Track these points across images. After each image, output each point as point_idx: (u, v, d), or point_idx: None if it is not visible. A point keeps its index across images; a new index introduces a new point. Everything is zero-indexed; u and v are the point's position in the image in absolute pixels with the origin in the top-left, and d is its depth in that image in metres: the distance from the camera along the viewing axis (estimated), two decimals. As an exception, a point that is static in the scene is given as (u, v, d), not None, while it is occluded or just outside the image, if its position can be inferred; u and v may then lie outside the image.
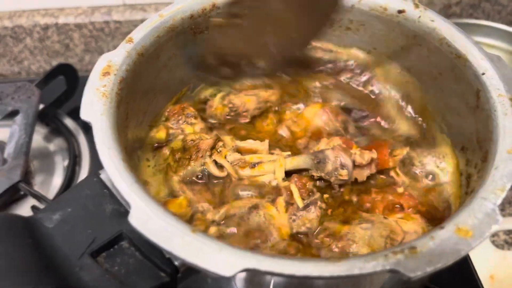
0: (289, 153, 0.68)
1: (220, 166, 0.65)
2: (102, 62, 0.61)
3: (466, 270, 0.80)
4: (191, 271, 0.50)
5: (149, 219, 0.47)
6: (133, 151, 0.65)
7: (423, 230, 0.59)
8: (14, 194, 0.90)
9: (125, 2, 1.23)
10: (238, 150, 0.67)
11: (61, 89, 1.06)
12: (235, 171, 0.64)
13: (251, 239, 0.57)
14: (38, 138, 1.03)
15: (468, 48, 0.64)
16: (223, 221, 0.60)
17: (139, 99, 0.66)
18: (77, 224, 0.50)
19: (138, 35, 0.65)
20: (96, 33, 1.24)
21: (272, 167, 0.64)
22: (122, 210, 0.51)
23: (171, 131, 0.71)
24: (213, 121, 0.75)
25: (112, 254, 0.50)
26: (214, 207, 0.63)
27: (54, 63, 1.29)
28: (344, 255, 0.56)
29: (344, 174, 0.63)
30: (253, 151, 0.68)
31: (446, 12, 1.26)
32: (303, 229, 0.60)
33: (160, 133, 0.71)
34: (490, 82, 0.60)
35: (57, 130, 1.04)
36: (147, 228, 0.46)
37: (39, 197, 0.84)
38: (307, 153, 0.67)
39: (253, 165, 0.65)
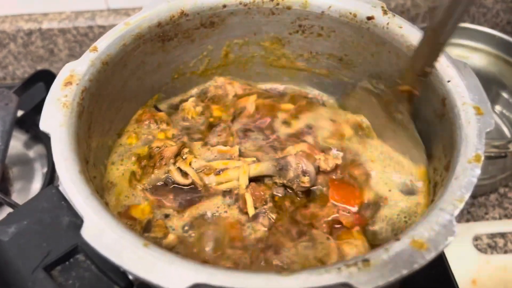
0: (254, 159, 0.67)
1: (184, 173, 0.65)
2: (64, 72, 0.61)
3: (444, 275, 0.79)
4: (146, 285, 0.49)
5: (102, 233, 0.46)
6: (98, 159, 0.64)
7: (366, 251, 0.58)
8: (-10, 203, 0.89)
9: (109, 7, 1.23)
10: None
11: (41, 95, 1.05)
12: (199, 178, 0.64)
13: (206, 245, 0.57)
14: (18, 144, 1.03)
15: (435, 54, 0.63)
16: (187, 227, 0.61)
17: (105, 108, 0.66)
18: (32, 237, 0.50)
19: (103, 43, 0.65)
20: (80, 38, 1.24)
21: (236, 174, 0.64)
22: (78, 223, 0.51)
23: (142, 136, 0.71)
24: (186, 123, 0.75)
25: (67, 268, 0.49)
26: (178, 212, 0.63)
27: (39, 68, 1.29)
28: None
29: (306, 181, 0.62)
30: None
31: (432, 15, 1.25)
32: (251, 238, 0.59)
33: (130, 139, 0.70)
34: (455, 90, 0.59)
35: (36, 136, 1.04)
36: (100, 242, 0.46)
37: (13, 205, 0.83)
38: (270, 160, 0.66)
39: (218, 172, 0.65)
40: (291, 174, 0.63)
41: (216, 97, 0.78)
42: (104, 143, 0.67)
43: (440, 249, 0.45)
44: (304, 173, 0.62)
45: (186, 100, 0.78)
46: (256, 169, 0.65)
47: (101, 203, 0.49)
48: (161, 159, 0.64)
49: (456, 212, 0.48)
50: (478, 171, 0.51)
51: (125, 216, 0.62)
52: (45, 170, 0.99)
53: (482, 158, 0.52)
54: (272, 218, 0.61)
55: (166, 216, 0.62)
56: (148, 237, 0.60)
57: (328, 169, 0.64)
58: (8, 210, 0.89)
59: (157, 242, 0.59)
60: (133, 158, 0.68)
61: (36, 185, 0.97)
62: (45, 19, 1.22)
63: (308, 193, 0.65)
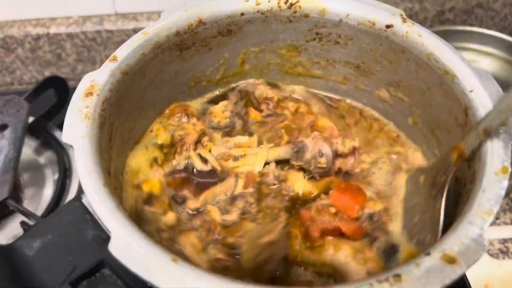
0: (272, 145, 0.69)
1: (204, 160, 0.66)
2: (85, 82, 0.60)
3: (459, 280, 0.79)
4: (173, 299, 0.49)
5: (130, 247, 0.46)
6: (118, 170, 0.64)
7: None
8: (3, 210, 0.89)
9: (116, 11, 1.22)
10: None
11: (51, 102, 1.05)
12: (218, 164, 0.65)
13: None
14: (28, 151, 1.02)
15: (456, 64, 0.63)
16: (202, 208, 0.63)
17: (124, 117, 0.65)
18: (57, 252, 0.50)
19: (122, 53, 0.64)
20: (88, 43, 1.24)
21: (254, 160, 0.65)
22: (104, 237, 0.51)
23: (170, 127, 0.72)
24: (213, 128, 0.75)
25: (93, 282, 0.49)
26: (194, 195, 0.64)
27: (47, 73, 1.29)
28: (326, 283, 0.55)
29: (323, 162, 0.63)
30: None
31: (440, 19, 1.25)
32: (226, 219, 0.61)
33: (161, 136, 0.71)
34: (479, 100, 0.59)
35: (47, 143, 1.03)
36: (127, 257, 0.45)
37: (27, 214, 0.83)
38: (287, 144, 0.67)
39: (236, 158, 0.66)
40: (308, 155, 0.64)
41: (255, 100, 0.78)
42: (123, 153, 0.67)
43: (471, 264, 0.45)
44: (321, 154, 0.63)
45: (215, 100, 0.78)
46: (274, 154, 0.66)
47: (127, 217, 0.49)
48: (182, 145, 0.66)
49: (486, 225, 0.47)
50: (505, 183, 0.50)
51: (134, 187, 0.65)
52: (56, 176, 0.99)
53: (510, 170, 0.51)
54: (249, 202, 0.62)
55: (178, 199, 0.64)
56: (148, 212, 0.62)
57: (346, 151, 0.65)
58: (20, 217, 0.89)
59: (156, 218, 0.61)
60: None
61: (48, 192, 0.97)
62: (53, 23, 1.22)
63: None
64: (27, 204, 0.94)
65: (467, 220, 0.48)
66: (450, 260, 0.45)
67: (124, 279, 0.48)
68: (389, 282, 0.43)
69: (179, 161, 0.67)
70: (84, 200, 0.54)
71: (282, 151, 0.67)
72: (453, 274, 0.44)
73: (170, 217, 0.61)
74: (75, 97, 0.59)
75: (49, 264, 0.49)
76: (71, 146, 0.54)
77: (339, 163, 0.66)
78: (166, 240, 0.60)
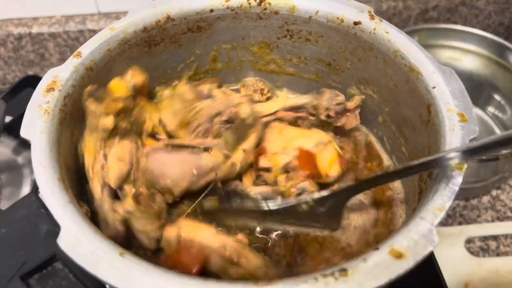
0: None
1: None
2: (47, 78, 0.60)
3: (434, 279, 0.78)
4: (123, 294, 0.49)
5: (79, 242, 0.46)
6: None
7: None
8: (-22, 209, 0.89)
9: (99, 10, 1.22)
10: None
11: (29, 101, 1.04)
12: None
13: None
14: (6, 151, 1.02)
15: (421, 60, 0.63)
16: None
17: (89, 114, 0.65)
18: (10, 246, 0.50)
19: (87, 49, 0.64)
20: (71, 42, 1.24)
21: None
22: (57, 231, 0.50)
23: None
24: None
25: (44, 276, 0.49)
26: None
27: (30, 72, 1.29)
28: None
29: (340, 98, 0.72)
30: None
31: (424, 17, 1.25)
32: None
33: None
34: (441, 96, 0.59)
35: (25, 142, 1.02)
36: (76, 251, 0.45)
37: (-1, 212, 0.83)
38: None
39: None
40: (327, 95, 0.73)
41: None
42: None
43: (419, 259, 0.44)
44: (338, 94, 0.73)
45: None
46: (293, 99, 0.74)
47: (80, 212, 0.49)
48: None
49: (437, 221, 0.47)
50: (460, 179, 0.50)
51: None
52: (34, 176, 0.98)
53: (465, 166, 0.51)
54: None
55: None
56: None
57: (352, 107, 0.73)
58: (-5, 216, 0.88)
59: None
60: None
61: (25, 191, 0.97)
62: (35, 23, 1.21)
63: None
64: (4, 204, 0.93)
65: (419, 216, 0.48)
66: (398, 255, 0.44)
67: (75, 273, 0.48)
68: (334, 276, 0.43)
69: None
70: (40, 195, 0.54)
71: (302, 97, 0.74)
72: (399, 269, 0.43)
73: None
74: (36, 93, 0.59)
75: (0, 258, 0.49)
76: (28, 141, 0.54)
77: (343, 121, 0.73)
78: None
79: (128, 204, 0.58)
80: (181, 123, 0.67)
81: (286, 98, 0.75)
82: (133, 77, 0.66)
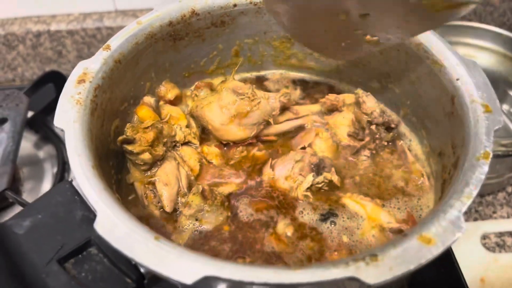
0: None
1: None
2: (78, 70, 0.62)
3: (453, 275, 0.79)
4: (157, 277, 0.50)
5: (115, 226, 0.47)
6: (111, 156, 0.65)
7: None
8: (2, 202, 0.90)
9: (116, 8, 1.24)
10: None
11: (50, 96, 1.07)
12: None
13: None
14: (28, 145, 1.04)
15: (444, 53, 0.64)
16: None
17: (117, 105, 0.67)
18: (46, 231, 0.51)
19: (116, 42, 0.65)
20: (89, 40, 1.25)
21: None
22: (92, 217, 0.52)
23: None
24: None
25: (80, 261, 0.50)
26: None
27: (48, 69, 1.30)
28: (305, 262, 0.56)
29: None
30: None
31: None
32: None
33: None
34: (465, 88, 0.60)
35: (46, 137, 1.05)
36: (112, 236, 0.46)
37: (24, 205, 0.84)
38: None
39: None
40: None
41: None
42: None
43: (448, 245, 0.45)
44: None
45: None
46: None
47: (114, 198, 0.50)
48: None
49: (464, 208, 0.48)
50: (486, 168, 0.51)
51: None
52: (55, 170, 1.00)
53: (491, 155, 0.52)
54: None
55: None
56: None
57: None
58: (19, 209, 0.90)
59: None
60: None
61: (46, 185, 0.98)
62: (53, 20, 1.23)
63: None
64: (26, 197, 0.95)
65: (447, 204, 0.49)
66: (427, 241, 0.45)
67: (110, 258, 0.50)
68: (365, 261, 0.44)
69: None
70: (74, 183, 0.55)
71: None
72: (429, 254, 0.44)
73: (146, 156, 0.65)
74: (68, 84, 0.60)
75: (37, 242, 0.50)
76: (62, 130, 0.55)
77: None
78: None
79: (194, 204, 0.61)
80: (238, 113, 0.68)
81: None
82: (168, 92, 0.71)
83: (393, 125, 0.70)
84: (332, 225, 0.63)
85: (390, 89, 0.74)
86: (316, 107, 0.76)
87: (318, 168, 0.67)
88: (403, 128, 0.75)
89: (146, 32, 0.68)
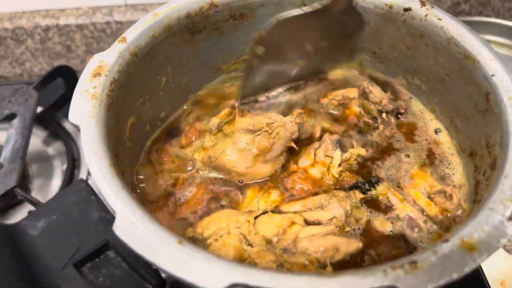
0: None
1: None
2: (93, 63, 0.59)
3: (476, 277, 0.77)
4: (179, 283, 0.47)
5: (135, 228, 0.44)
6: (128, 153, 0.63)
7: None
8: (12, 199, 0.87)
9: (126, 2, 1.21)
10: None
11: (60, 92, 1.04)
12: None
13: None
14: (37, 141, 1.01)
15: (477, 48, 0.60)
16: None
17: (133, 100, 0.64)
18: (62, 233, 0.48)
19: (132, 34, 0.63)
20: (98, 34, 1.23)
21: None
22: (109, 218, 0.49)
23: None
24: None
25: (97, 265, 0.47)
26: None
27: (56, 64, 1.27)
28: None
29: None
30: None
31: (455, 10, 1.22)
32: None
33: None
34: (501, 84, 0.56)
35: (55, 133, 1.02)
36: (132, 238, 0.43)
37: (34, 203, 0.81)
38: None
39: None
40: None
41: None
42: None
43: (492, 252, 0.42)
44: None
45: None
46: None
47: (133, 197, 0.47)
48: None
49: (508, 212, 0.45)
50: (528, 169, 0.48)
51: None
52: (64, 167, 0.97)
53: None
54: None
55: None
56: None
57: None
58: (28, 207, 0.87)
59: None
60: None
61: (56, 182, 0.95)
62: (62, 14, 1.20)
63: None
64: (35, 194, 0.92)
65: (488, 207, 0.46)
66: (470, 247, 0.42)
67: (129, 262, 0.47)
68: (404, 268, 0.41)
69: None
70: (90, 181, 0.52)
71: None
72: (472, 262, 0.41)
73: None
74: (83, 77, 0.57)
75: (53, 244, 0.47)
76: (77, 126, 0.53)
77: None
78: None
79: None
80: (262, 151, 0.64)
81: None
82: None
83: (402, 110, 0.70)
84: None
85: (417, 86, 0.71)
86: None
87: (341, 145, 0.65)
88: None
89: (163, 24, 0.65)
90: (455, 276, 0.41)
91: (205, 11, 0.68)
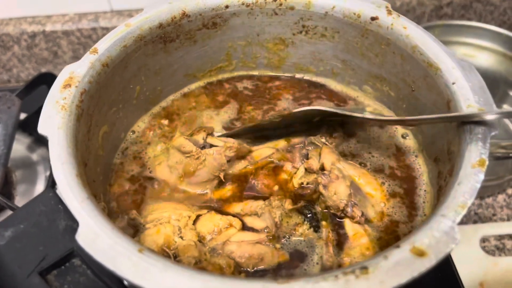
0: None
1: None
2: (64, 74, 0.60)
3: (450, 280, 0.77)
4: (141, 291, 0.49)
5: (97, 238, 0.45)
6: (99, 161, 0.64)
7: None
8: (-8, 206, 0.89)
9: (112, 8, 1.23)
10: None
11: (44, 98, 1.04)
12: None
13: None
14: (21, 147, 1.02)
15: (440, 56, 0.62)
16: None
17: (105, 110, 0.65)
18: (28, 241, 0.49)
19: (103, 45, 0.64)
20: (84, 40, 1.24)
21: None
22: (75, 227, 0.50)
23: None
24: None
25: (62, 272, 0.49)
26: None
27: (43, 70, 1.29)
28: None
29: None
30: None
31: (438, 13, 1.23)
32: None
33: None
34: (460, 92, 0.58)
35: (39, 139, 1.03)
36: (94, 247, 0.45)
37: (15, 209, 0.83)
38: None
39: None
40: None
41: None
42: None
43: (441, 257, 0.43)
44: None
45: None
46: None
47: (97, 207, 0.48)
48: None
49: (458, 218, 0.46)
50: (481, 176, 0.49)
51: None
52: (48, 173, 0.99)
53: (487, 162, 0.50)
54: None
55: None
56: None
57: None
58: (10, 213, 0.89)
59: None
60: None
61: (39, 188, 0.97)
62: (48, 21, 1.22)
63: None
64: (18, 201, 0.94)
65: (440, 213, 0.47)
66: (420, 253, 0.44)
67: (94, 269, 0.48)
68: (355, 274, 0.42)
69: None
70: (58, 191, 0.54)
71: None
72: (421, 267, 0.43)
73: None
74: (53, 89, 0.59)
75: (19, 253, 0.49)
76: (45, 137, 0.54)
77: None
78: None
79: None
80: (185, 173, 0.65)
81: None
82: None
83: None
84: None
85: (386, 92, 0.72)
86: (269, 151, 0.70)
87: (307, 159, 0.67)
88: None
89: (135, 35, 0.67)
90: (404, 281, 0.42)
91: (177, 21, 0.70)
